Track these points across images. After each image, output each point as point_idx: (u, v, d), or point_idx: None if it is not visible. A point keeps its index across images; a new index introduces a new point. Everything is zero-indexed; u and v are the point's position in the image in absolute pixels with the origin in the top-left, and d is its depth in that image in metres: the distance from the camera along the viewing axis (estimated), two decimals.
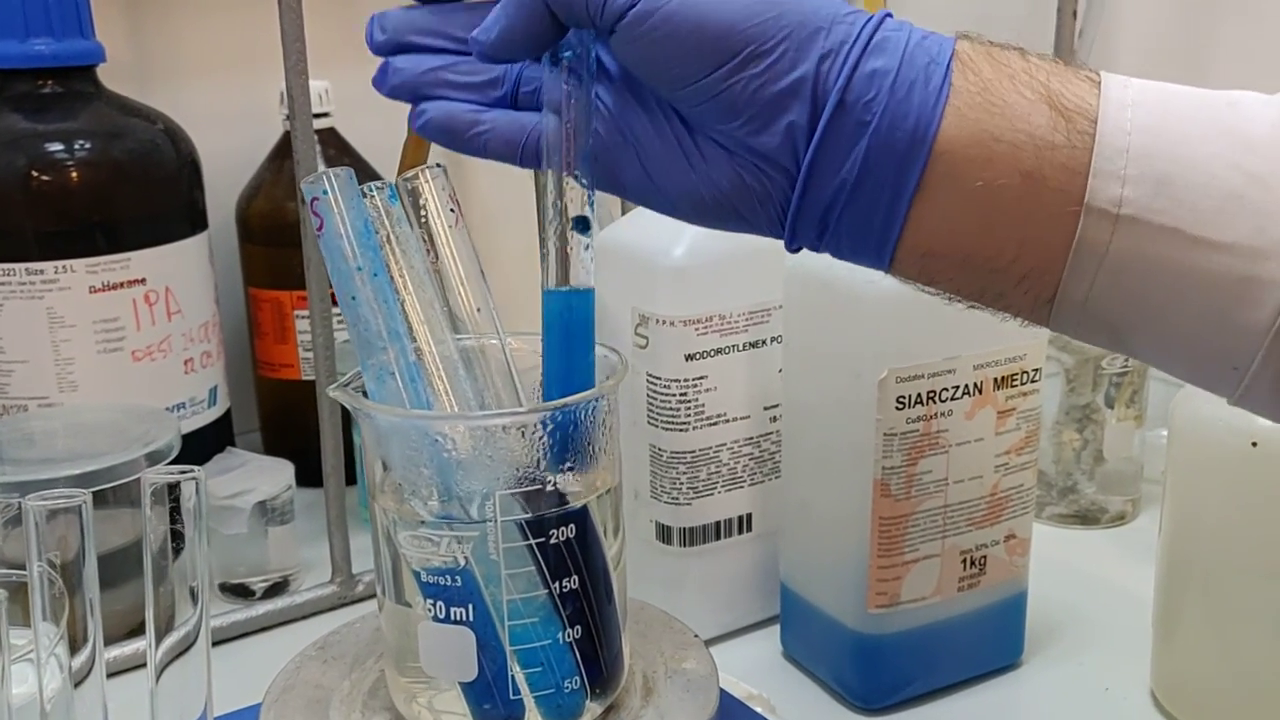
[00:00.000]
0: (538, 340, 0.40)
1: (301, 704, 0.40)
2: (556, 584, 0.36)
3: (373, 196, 0.38)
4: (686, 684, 0.40)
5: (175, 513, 0.36)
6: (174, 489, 0.36)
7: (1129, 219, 0.31)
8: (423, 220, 0.40)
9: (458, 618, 0.36)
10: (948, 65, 0.33)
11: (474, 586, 0.36)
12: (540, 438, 0.36)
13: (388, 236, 0.38)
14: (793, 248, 0.36)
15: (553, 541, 0.36)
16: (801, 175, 0.34)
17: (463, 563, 0.36)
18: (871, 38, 0.33)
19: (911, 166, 0.33)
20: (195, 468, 0.35)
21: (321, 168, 0.54)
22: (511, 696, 0.37)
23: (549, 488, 0.36)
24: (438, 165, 0.40)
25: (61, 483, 0.56)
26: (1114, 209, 0.31)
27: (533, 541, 0.36)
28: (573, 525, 0.37)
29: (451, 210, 0.40)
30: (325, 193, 0.36)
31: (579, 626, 0.37)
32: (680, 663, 0.41)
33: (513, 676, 0.36)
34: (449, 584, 0.36)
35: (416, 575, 0.36)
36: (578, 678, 0.37)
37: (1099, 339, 0.34)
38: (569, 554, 0.37)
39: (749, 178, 0.35)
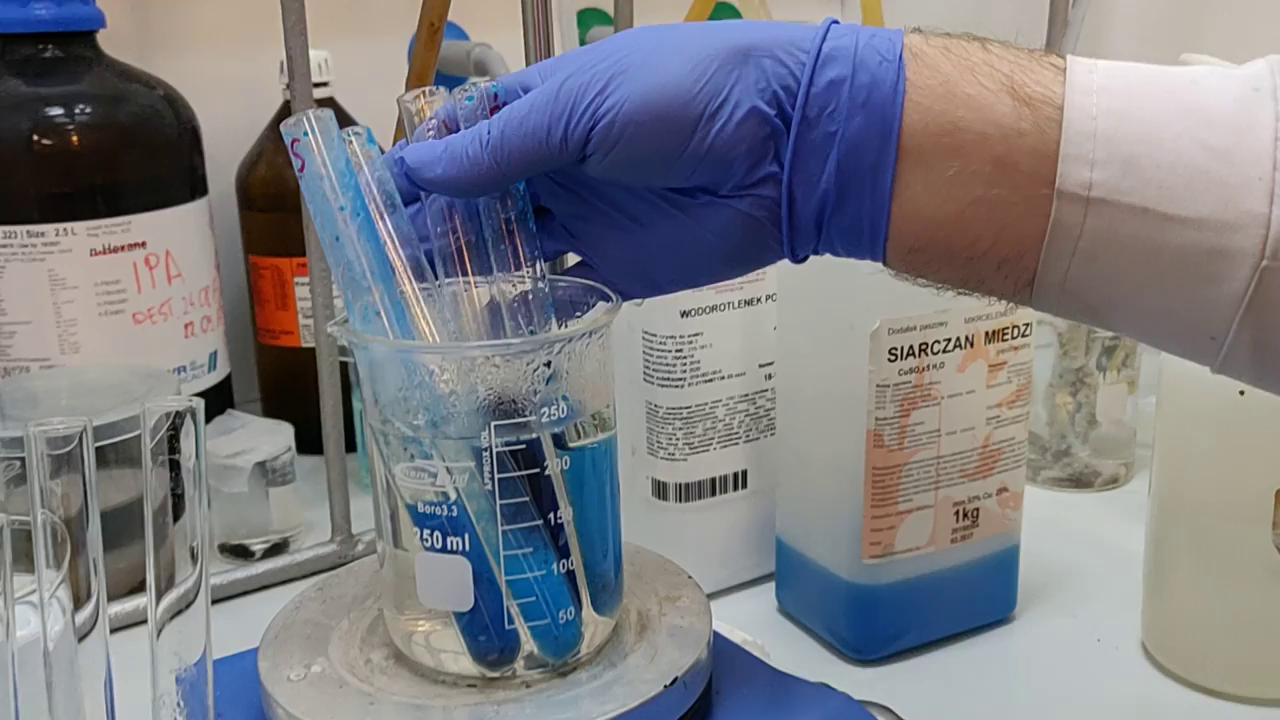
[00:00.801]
0: (520, 280, 0.41)
1: (300, 640, 0.40)
2: (550, 515, 0.37)
3: (351, 141, 0.38)
4: (680, 621, 0.41)
5: (175, 474, 0.36)
6: (174, 442, 0.36)
7: (1099, 201, 0.32)
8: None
9: (453, 547, 0.36)
10: (899, 59, 0.34)
11: (467, 518, 0.36)
12: (533, 369, 0.36)
13: (367, 181, 0.38)
14: (798, 260, 0.37)
15: (546, 473, 0.37)
16: (784, 195, 0.35)
17: (455, 495, 0.36)
18: (820, 49, 0.34)
19: (884, 165, 0.34)
20: (194, 398, 0.35)
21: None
22: (506, 627, 0.37)
23: (543, 419, 0.36)
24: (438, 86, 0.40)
25: (60, 442, 0.56)
26: (1084, 192, 0.32)
27: (525, 473, 0.36)
28: (566, 458, 0.37)
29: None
30: (306, 134, 0.37)
31: (572, 558, 0.37)
32: (674, 601, 0.42)
33: (508, 607, 0.37)
34: (443, 514, 0.36)
35: (412, 509, 0.37)
36: (572, 609, 0.38)
37: (1080, 317, 0.35)
38: (562, 485, 0.37)
39: (752, 211, 0.35)
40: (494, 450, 0.36)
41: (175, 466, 0.36)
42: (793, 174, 0.34)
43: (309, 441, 0.68)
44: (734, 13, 0.83)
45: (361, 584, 0.44)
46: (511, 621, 0.37)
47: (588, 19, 0.90)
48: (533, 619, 0.37)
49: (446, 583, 0.37)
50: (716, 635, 0.42)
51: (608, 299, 0.38)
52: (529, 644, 0.37)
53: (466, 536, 0.36)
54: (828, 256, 0.36)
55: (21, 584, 0.37)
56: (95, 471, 0.35)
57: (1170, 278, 0.32)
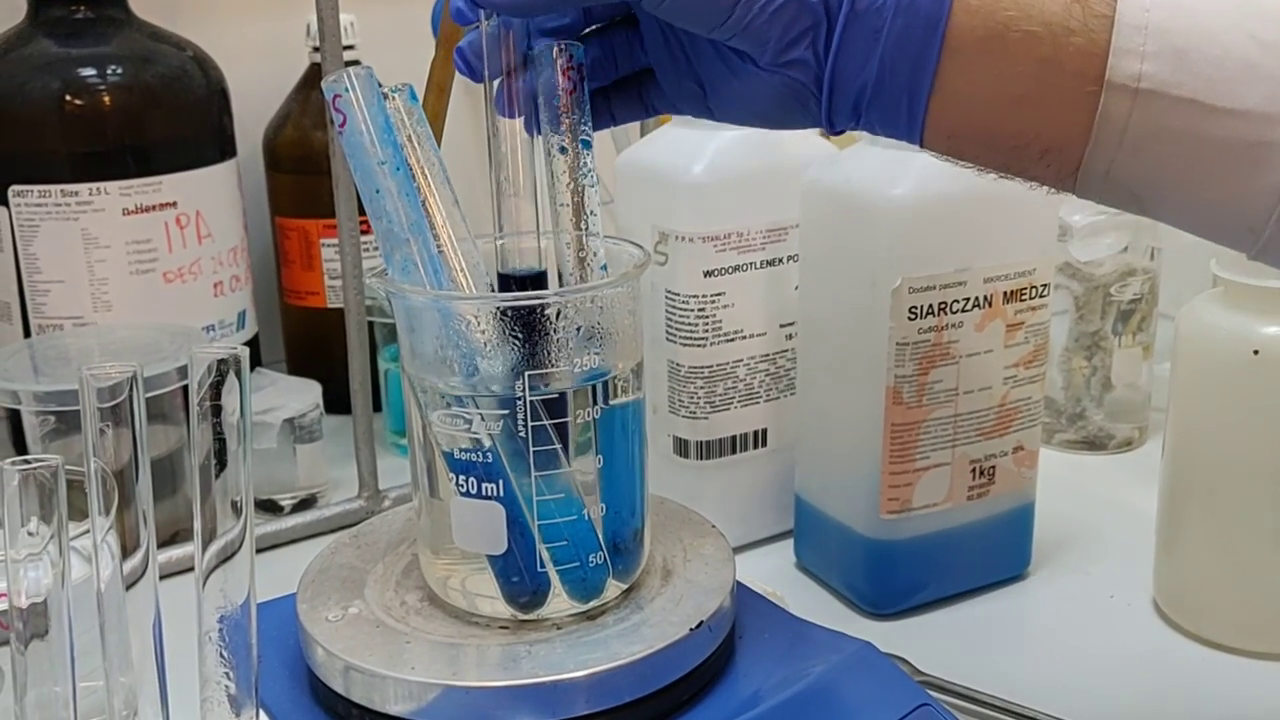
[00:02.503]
0: (556, 236, 0.42)
1: (337, 584, 0.42)
2: (580, 463, 0.38)
3: (393, 98, 0.39)
4: (704, 567, 0.42)
5: (218, 428, 0.37)
6: (216, 396, 0.37)
7: (1148, 93, 0.33)
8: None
9: (487, 493, 0.38)
10: None
11: (501, 465, 0.37)
12: (565, 320, 0.37)
13: (408, 136, 0.39)
14: (835, 132, 0.38)
15: (577, 421, 0.38)
16: (825, 87, 0.36)
17: (489, 441, 0.37)
18: None
19: (926, 62, 0.34)
20: (240, 347, 0.37)
21: None
22: (538, 570, 0.38)
23: (575, 369, 0.38)
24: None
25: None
26: (1134, 84, 0.33)
27: (557, 421, 0.38)
28: (597, 408, 0.38)
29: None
30: (347, 90, 0.37)
31: (601, 505, 0.39)
32: (698, 549, 0.43)
33: (539, 551, 0.38)
34: (478, 461, 0.37)
35: (448, 456, 0.38)
36: (600, 554, 0.39)
37: (1123, 205, 0.36)
38: (591, 433, 0.38)
39: (787, 89, 0.37)
40: (527, 399, 0.37)
41: (217, 420, 0.37)
42: (835, 63, 0.35)
43: (332, 401, 0.70)
44: None
45: (394, 531, 0.45)
46: (543, 565, 0.38)
47: None
48: (562, 563, 0.38)
49: (481, 527, 0.38)
50: (738, 584, 0.43)
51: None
52: (558, 587, 0.39)
53: (500, 483, 0.38)
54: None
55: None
56: (146, 421, 0.36)
57: (1214, 168, 0.33)
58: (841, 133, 0.39)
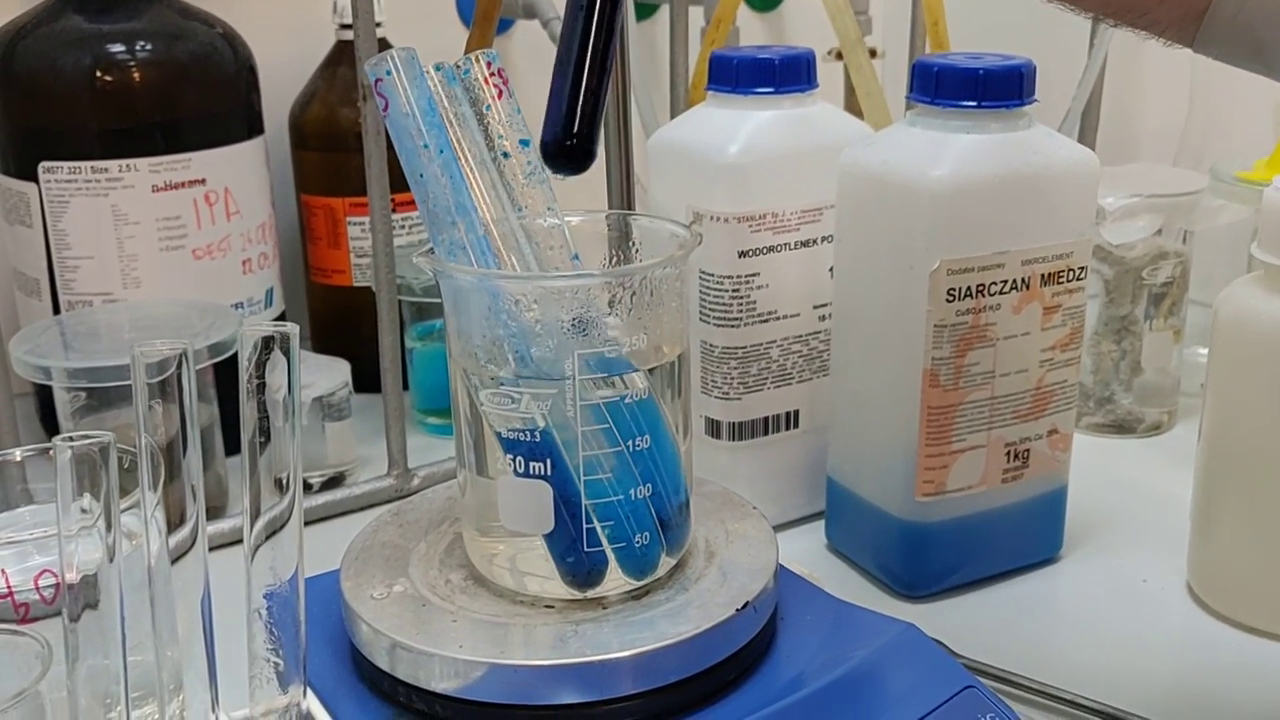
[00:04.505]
0: (595, 217, 0.41)
1: (380, 561, 0.42)
2: (628, 443, 0.38)
3: (431, 76, 0.39)
4: (747, 548, 0.42)
5: (262, 406, 0.37)
6: (261, 370, 0.37)
7: None
8: (476, 101, 0.41)
9: (536, 472, 0.38)
10: None
11: (551, 443, 0.37)
12: (615, 300, 0.37)
13: (449, 116, 0.39)
14: None
15: (626, 402, 0.38)
16: None
17: (541, 422, 0.37)
18: None
19: None
20: (290, 324, 0.36)
21: None
22: (590, 549, 0.38)
23: (624, 350, 0.37)
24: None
25: (129, 372, 0.57)
26: None
27: (605, 402, 0.38)
28: (644, 389, 0.38)
29: (503, 89, 0.41)
30: (389, 73, 0.37)
31: (650, 484, 0.39)
32: (741, 531, 0.43)
33: (592, 529, 0.38)
34: (528, 439, 0.37)
35: (498, 434, 0.38)
36: (652, 530, 0.39)
37: (1244, 58, 0.35)
38: (640, 413, 0.38)
39: None
40: (576, 379, 0.37)
41: (262, 398, 0.37)
42: None
43: (359, 378, 0.70)
44: None
45: (435, 510, 0.45)
46: (597, 543, 0.38)
47: None
48: (616, 541, 0.38)
49: (529, 506, 0.38)
50: (780, 565, 0.43)
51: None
52: (614, 564, 0.39)
53: (549, 461, 0.38)
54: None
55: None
56: (195, 395, 0.36)
57: None
58: None
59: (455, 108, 0.40)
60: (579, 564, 0.38)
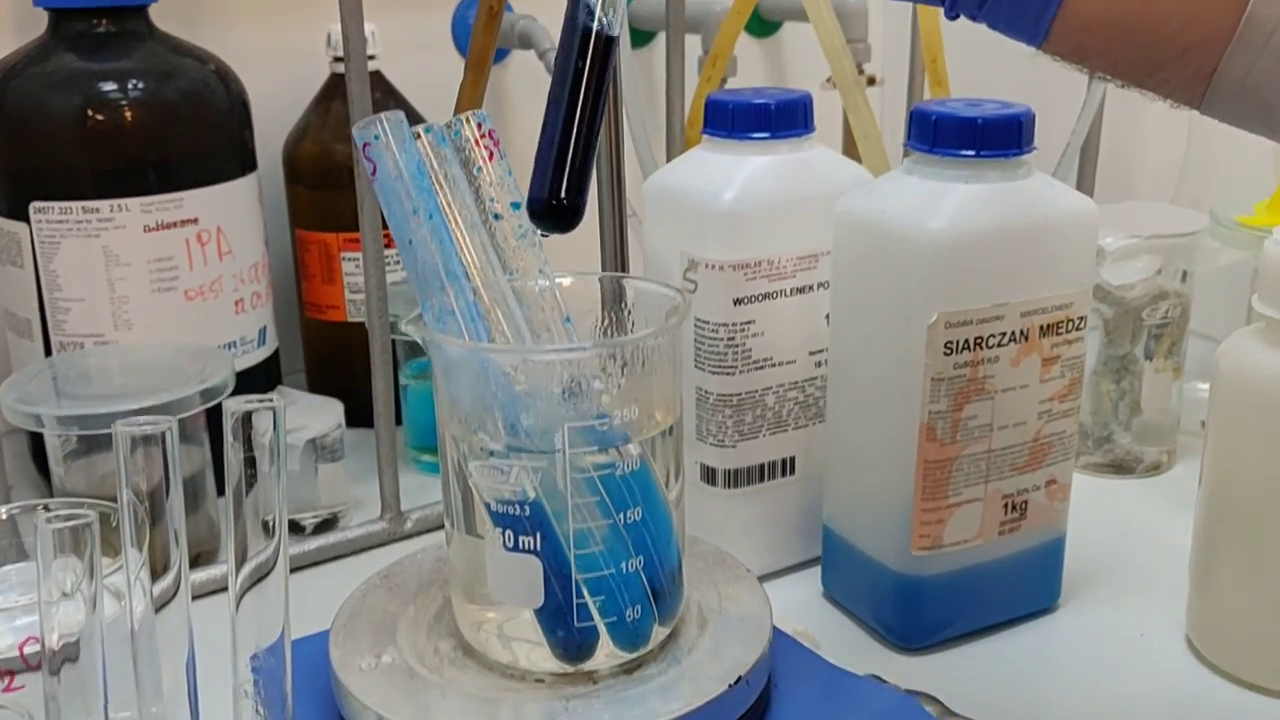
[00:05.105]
0: (588, 279, 0.41)
1: (369, 628, 0.41)
2: (621, 515, 0.37)
3: (421, 139, 0.39)
4: (741, 615, 0.41)
5: (248, 446, 0.37)
6: (247, 421, 0.37)
7: None
8: (467, 162, 0.41)
9: (526, 546, 0.37)
10: None
11: (542, 516, 0.37)
12: (606, 372, 0.37)
13: (439, 179, 0.39)
14: (951, 15, 0.36)
15: (617, 474, 0.37)
16: None
17: (532, 493, 0.37)
18: None
19: None
20: (274, 397, 0.36)
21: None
22: (581, 624, 0.38)
23: (615, 421, 0.37)
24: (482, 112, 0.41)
25: (120, 418, 0.57)
26: None
27: (598, 474, 0.37)
28: (636, 459, 0.38)
29: (494, 151, 0.41)
30: (377, 137, 0.37)
31: (642, 555, 0.38)
32: (734, 595, 0.43)
33: (583, 604, 0.37)
34: (518, 513, 0.37)
35: (487, 506, 0.38)
36: (644, 603, 0.38)
37: (1250, 119, 0.34)
38: (633, 484, 0.38)
39: None
40: (567, 451, 0.36)
41: (248, 442, 0.37)
42: None
43: (352, 414, 0.69)
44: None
45: (425, 571, 0.45)
46: (589, 617, 0.38)
47: None
48: (608, 615, 0.38)
49: (519, 580, 0.38)
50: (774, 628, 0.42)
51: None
52: (605, 638, 0.38)
53: (539, 535, 0.37)
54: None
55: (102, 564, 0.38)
56: (178, 449, 0.36)
57: None
58: (955, 17, 0.36)
59: (445, 169, 0.39)
60: (570, 638, 0.38)
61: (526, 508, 0.37)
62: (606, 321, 0.42)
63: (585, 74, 0.34)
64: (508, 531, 0.37)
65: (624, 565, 0.38)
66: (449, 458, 0.39)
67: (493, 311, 0.38)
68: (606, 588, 0.38)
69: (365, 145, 0.37)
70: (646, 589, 0.39)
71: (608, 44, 0.34)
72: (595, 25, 0.34)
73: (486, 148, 0.40)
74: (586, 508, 0.37)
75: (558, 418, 0.36)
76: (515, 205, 0.41)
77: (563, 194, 0.33)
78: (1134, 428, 0.70)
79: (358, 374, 0.65)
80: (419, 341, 0.38)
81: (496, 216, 0.41)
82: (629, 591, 0.38)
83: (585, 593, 0.38)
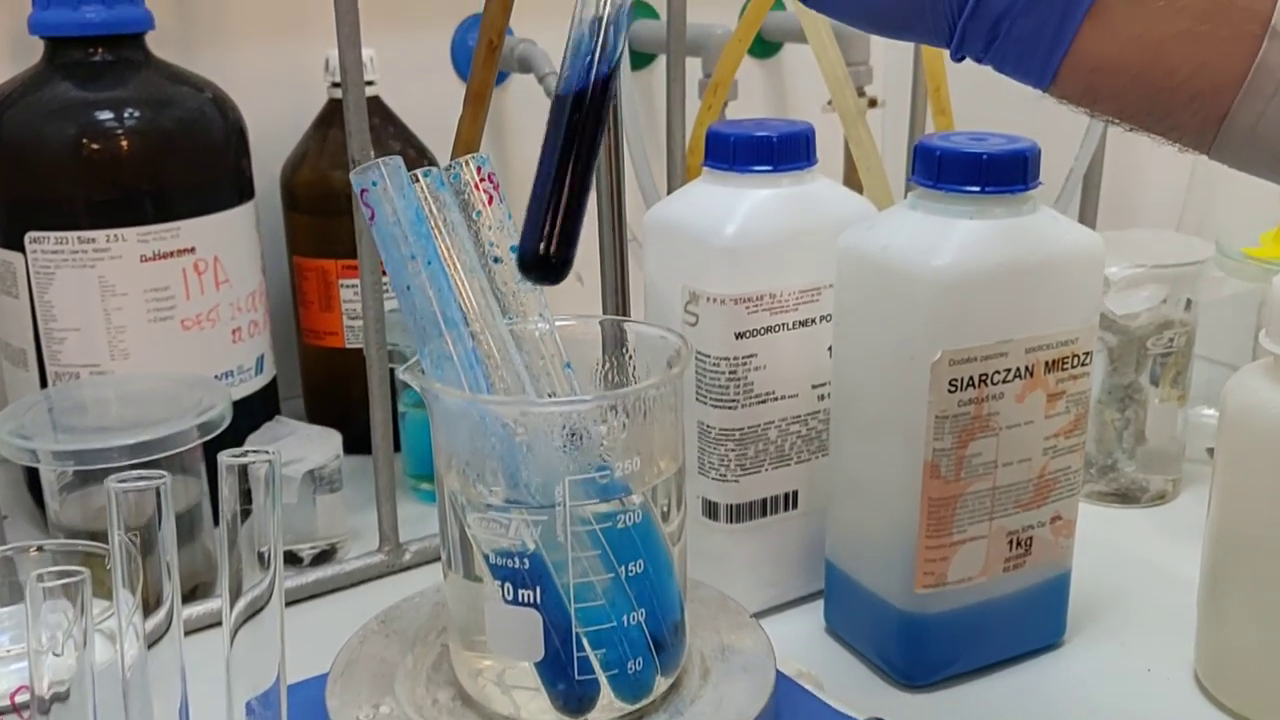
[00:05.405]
0: (589, 322, 0.40)
1: (367, 678, 0.41)
2: (623, 567, 0.37)
3: (420, 183, 0.38)
4: (744, 665, 0.41)
5: (243, 480, 0.36)
6: (244, 475, 0.36)
7: None
8: (466, 205, 0.40)
9: (525, 599, 0.37)
10: None
11: (543, 568, 0.36)
12: (607, 423, 0.36)
13: (438, 224, 0.38)
14: (957, 57, 0.36)
15: (619, 526, 0.37)
16: None
17: (532, 546, 0.36)
18: None
19: None
20: (270, 449, 0.35)
21: (371, 154, 0.54)
22: (582, 676, 0.37)
23: (616, 473, 0.36)
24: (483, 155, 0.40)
25: (116, 453, 0.56)
26: None
27: (600, 526, 0.36)
28: (638, 511, 0.37)
29: (494, 194, 0.40)
30: (375, 183, 0.36)
31: (645, 608, 0.37)
32: (737, 644, 0.42)
33: (584, 656, 0.37)
34: (517, 566, 0.36)
35: (485, 558, 0.37)
36: (643, 656, 0.38)
37: (1260, 167, 0.34)
38: (635, 537, 0.37)
39: None
40: (568, 504, 0.36)
41: (244, 477, 0.36)
42: None
43: (351, 441, 0.68)
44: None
45: (423, 617, 0.44)
46: (590, 670, 0.37)
47: (636, 12, 0.89)
48: (609, 668, 0.37)
49: (519, 634, 0.37)
50: (776, 672, 0.42)
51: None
52: (607, 691, 0.37)
53: (539, 588, 0.36)
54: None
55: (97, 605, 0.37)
56: (170, 495, 0.35)
57: None
58: (961, 59, 0.36)
59: (444, 214, 0.39)
60: (570, 691, 0.37)
61: (526, 560, 0.36)
62: (607, 366, 0.42)
63: (579, 128, 0.33)
64: (507, 584, 0.37)
65: (626, 618, 0.37)
66: (447, 505, 0.39)
67: (491, 358, 0.38)
68: (608, 640, 0.37)
69: (363, 191, 0.37)
70: (649, 641, 0.38)
71: (605, 82, 0.34)
72: (591, 79, 0.33)
73: (486, 191, 0.40)
74: (588, 560, 0.36)
75: (558, 470, 0.36)
76: (514, 249, 0.40)
77: (552, 248, 0.33)
78: (1138, 456, 0.70)
79: (356, 400, 0.65)
80: (417, 390, 0.38)
81: (496, 260, 0.40)
82: (631, 644, 0.37)
83: (586, 645, 0.37)
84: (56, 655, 0.33)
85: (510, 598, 0.37)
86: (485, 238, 0.40)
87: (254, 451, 0.35)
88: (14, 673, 0.45)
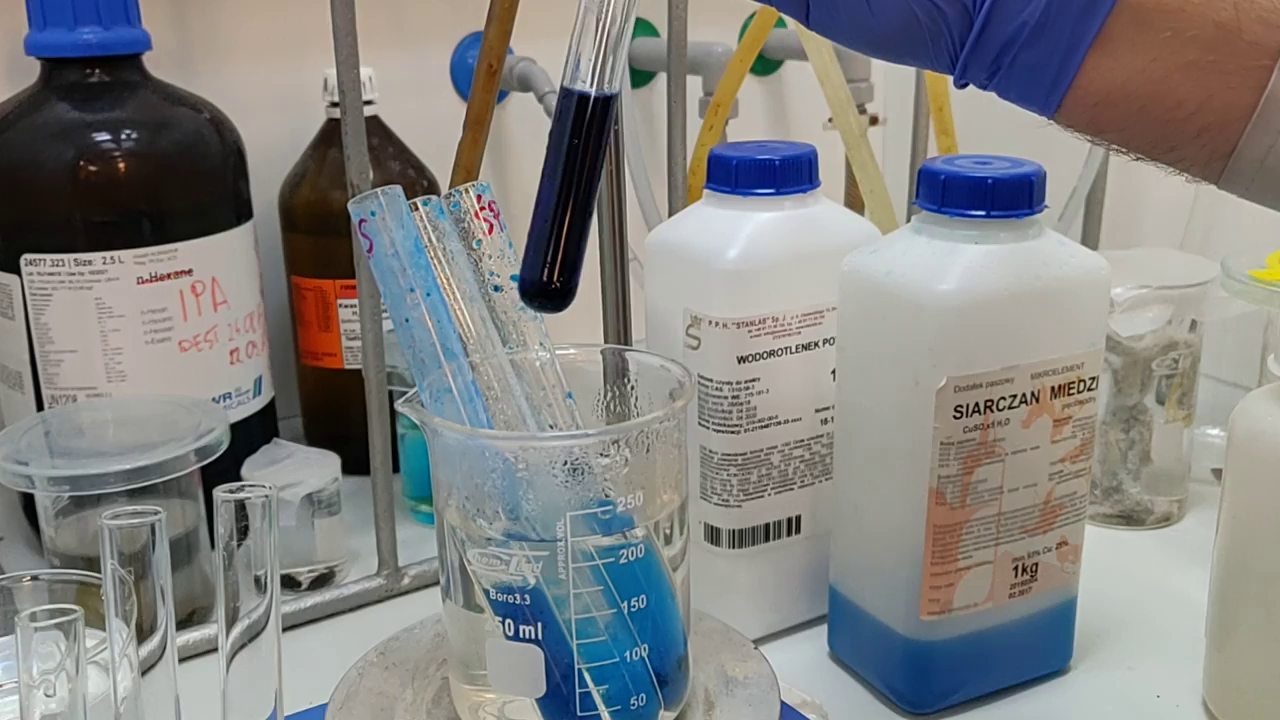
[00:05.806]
0: (590, 351, 0.40)
1: (366, 712, 0.40)
2: (625, 603, 0.36)
3: (419, 211, 0.38)
4: (748, 698, 0.40)
5: (240, 515, 0.36)
6: (241, 511, 0.36)
7: None
8: (466, 234, 0.40)
9: (527, 635, 0.36)
10: None
11: (544, 604, 0.36)
12: (610, 456, 0.36)
13: (437, 254, 0.38)
14: (960, 84, 0.35)
15: (622, 561, 0.36)
16: (982, 15, 0.33)
17: (533, 582, 0.36)
18: None
19: (1095, 13, 0.32)
20: (267, 486, 0.35)
21: (370, 177, 0.54)
22: (584, 713, 0.37)
23: (619, 508, 0.36)
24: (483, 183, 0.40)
25: (113, 478, 0.56)
26: None
27: (602, 562, 0.36)
28: (641, 545, 0.37)
29: (494, 223, 0.40)
30: (374, 214, 0.36)
31: (648, 643, 0.37)
32: (740, 676, 0.41)
33: (586, 692, 0.36)
34: (519, 602, 0.36)
35: (486, 593, 0.37)
36: (646, 693, 0.37)
37: (1269, 198, 0.34)
38: (638, 571, 0.37)
39: (923, 16, 0.34)
40: (569, 540, 0.35)
41: (241, 512, 0.36)
42: (994, 2, 0.33)
43: (350, 462, 0.68)
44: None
45: (423, 649, 0.44)
46: (592, 706, 0.37)
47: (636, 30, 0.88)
48: (612, 704, 0.37)
49: (520, 670, 0.36)
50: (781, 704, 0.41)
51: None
52: None
53: (540, 624, 0.36)
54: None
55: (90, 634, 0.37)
56: (168, 559, 0.35)
57: None
58: (965, 86, 0.35)
59: (444, 243, 0.38)
60: None
61: (527, 595, 0.36)
62: (609, 396, 0.41)
63: (580, 158, 0.33)
64: (508, 620, 0.36)
65: (629, 653, 0.37)
66: (447, 538, 0.38)
67: (491, 389, 0.37)
68: (611, 676, 0.37)
69: (361, 221, 0.36)
70: (652, 676, 0.37)
71: (604, 107, 0.33)
72: (592, 94, 0.33)
73: (486, 220, 0.39)
74: (590, 596, 0.36)
75: (560, 504, 0.35)
76: (515, 278, 0.40)
77: (555, 277, 0.32)
78: (1144, 477, 0.69)
79: (354, 420, 0.64)
80: (416, 424, 0.37)
81: (496, 289, 0.40)
82: (634, 679, 0.37)
83: (589, 681, 0.37)
84: (49, 696, 0.32)
85: (511, 633, 0.36)
86: (485, 267, 0.39)
87: (250, 486, 0.35)
88: (11, 704, 0.45)
